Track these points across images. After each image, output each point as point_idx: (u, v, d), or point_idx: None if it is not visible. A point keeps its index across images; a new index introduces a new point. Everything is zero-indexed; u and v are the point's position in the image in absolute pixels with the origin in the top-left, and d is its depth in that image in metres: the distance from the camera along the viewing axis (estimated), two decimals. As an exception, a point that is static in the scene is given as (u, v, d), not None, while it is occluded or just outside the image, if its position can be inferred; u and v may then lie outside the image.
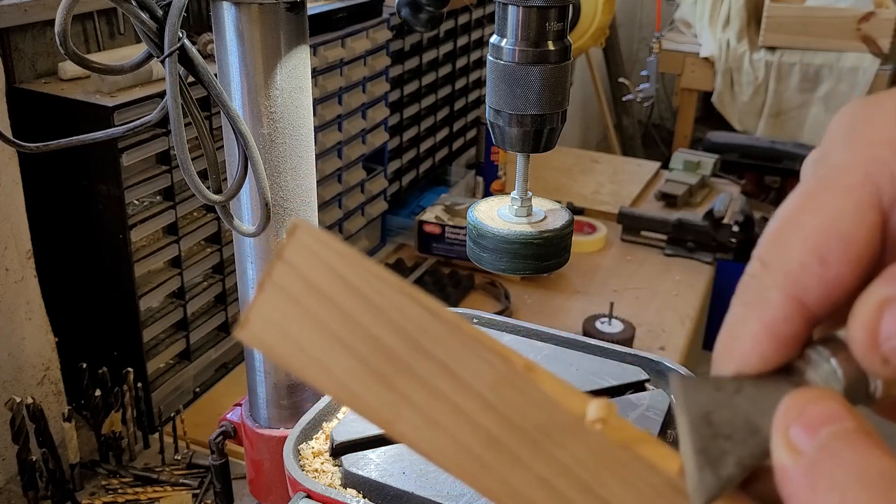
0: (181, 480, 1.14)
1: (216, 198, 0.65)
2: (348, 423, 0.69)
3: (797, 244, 0.25)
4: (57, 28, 0.56)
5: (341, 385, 0.26)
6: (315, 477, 0.65)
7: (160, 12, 0.59)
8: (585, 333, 1.51)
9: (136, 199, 1.16)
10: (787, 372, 0.26)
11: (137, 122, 0.66)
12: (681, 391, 0.26)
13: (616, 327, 1.51)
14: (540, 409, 0.26)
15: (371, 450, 0.66)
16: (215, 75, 0.64)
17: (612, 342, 0.80)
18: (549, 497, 0.26)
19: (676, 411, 0.26)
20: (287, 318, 0.26)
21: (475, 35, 2.07)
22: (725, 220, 1.85)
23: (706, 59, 3.14)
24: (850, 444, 0.23)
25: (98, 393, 1.11)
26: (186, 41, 0.60)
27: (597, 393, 0.73)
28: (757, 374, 0.26)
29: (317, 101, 1.48)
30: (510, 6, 0.62)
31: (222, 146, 0.71)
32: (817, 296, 0.25)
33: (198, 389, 1.35)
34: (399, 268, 1.74)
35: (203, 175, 0.63)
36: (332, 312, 0.26)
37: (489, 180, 2.02)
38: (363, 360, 0.26)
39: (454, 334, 0.26)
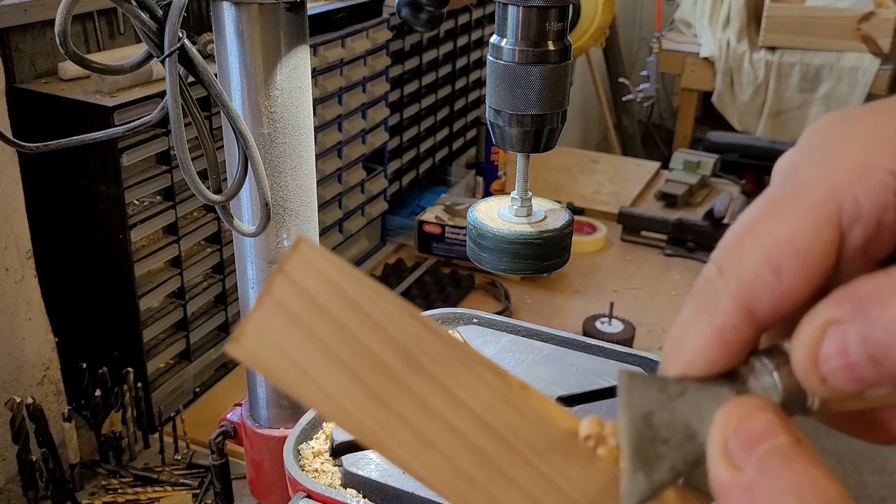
0: (181, 480, 1.14)
1: (216, 198, 0.65)
2: (348, 423, 0.69)
3: (753, 253, 0.26)
4: (57, 28, 0.56)
5: (336, 404, 0.26)
6: (315, 477, 0.65)
7: (160, 12, 0.59)
8: (585, 333, 1.51)
9: (136, 199, 1.16)
10: (731, 377, 0.26)
11: (137, 122, 0.66)
12: (626, 388, 0.26)
13: (616, 327, 1.51)
14: (534, 427, 0.26)
15: (371, 449, 0.66)
16: (215, 75, 0.64)
17: (612, 342, 0.80)
18: None
19: (619, 408, 0.26)
20: (283, 334, 0.26)
21: (475, 35, 2.07)
22: (725, 220, 1.85)
23: (706, 59, 3.14)
24: (785, 461, 0.24)
25: (98, 393, 1.11)
26: (186, 41, 0.60)
27: (598, 393, 0.73)
28: (702, 377, 0.26)
29: (317, 101, 1.48)
30: (510, 6, 0.62)
31: (222, 146, 0.71)
32: (768, 306, 0.25)
33: (198, 389, 1.35)
34: (399, 268, 1.74)
35: (203, 175, 0.63)
36: (330, 328, 0.26)
37: (489, 180, 2.02)
38: (359, 377, 0.26)
39: (452, 352, 0.26)
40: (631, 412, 0.26)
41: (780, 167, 0.28)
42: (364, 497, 0.63)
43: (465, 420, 0.26)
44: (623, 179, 2.24)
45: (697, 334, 0.26)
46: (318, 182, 0.77)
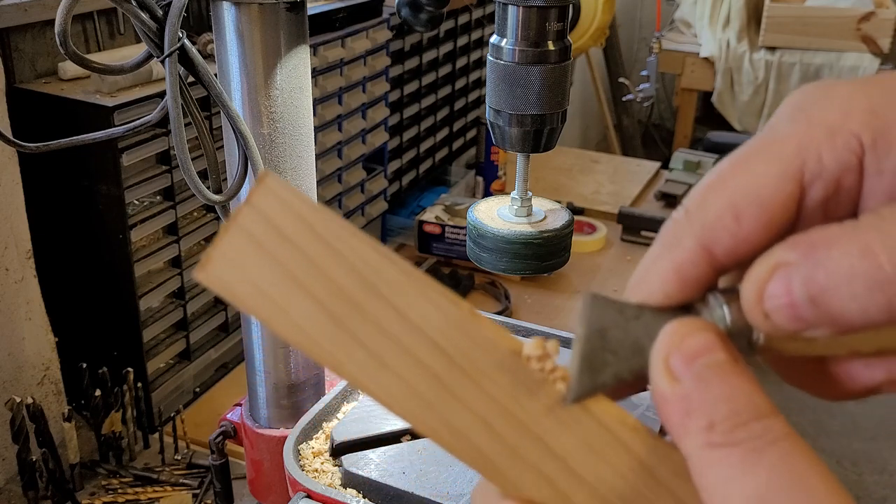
0: (181, 480, 1.14)
1: (216, 198, 0.65)
2: (348, 423, 0.69)
3: (718, 199, 0.28)
4: (57, 28, 0.56)
5: (296, 327, 0.27)
6: (315, 477, 0.65)
7: (160, 12, 0.59)
8: (585, 333, 1.50)
9: (136, 199, 1.16)
10: (686, 310, 0.29)
11: (137, 122, 0.66)
12: (588, 306, 0.28)
13: (616, 327, 1.51)
14: (482, 350, 0.27)
15: (371, 450, 0.66)
16: (215, 75, 0.64)
17: (612, 342, 0.80)
18: (488, 436, 0.27)
19: (577, 321, 0.28)
20: (248, 260, 0.27)
21: (475, 35, 2.07)
22: (725, 220, 1.85)
23: (706, 59, 3.14)
24: (721, 374, 0.26)
25: (98, 393, 1.11)
26: (186, 41, 0.60)
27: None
28: (659, 307, 0.29)
29: (317, 101, 1.48)
30: (510, 6, 0.62)
31: (222, 146, 0.71)
32: (725, 248, 0.27)
33: (198, 389, 1.35)
34: (399, 268, 1.74)
35: (203, 175, 0.63)
36: (293, 255, 0.27)
37: (489, 180, 2.02)
38: (320, 302, 0.27)
39: (408, 279, 0.27)
40: (588, 326, 0.28)
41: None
42: (364, 497, 0.63)
43: (417, 343, 0.27)
44: (623, 179, 2.24)
45: (659, 268, 0.29)
46: (318, 182, 0.77)
